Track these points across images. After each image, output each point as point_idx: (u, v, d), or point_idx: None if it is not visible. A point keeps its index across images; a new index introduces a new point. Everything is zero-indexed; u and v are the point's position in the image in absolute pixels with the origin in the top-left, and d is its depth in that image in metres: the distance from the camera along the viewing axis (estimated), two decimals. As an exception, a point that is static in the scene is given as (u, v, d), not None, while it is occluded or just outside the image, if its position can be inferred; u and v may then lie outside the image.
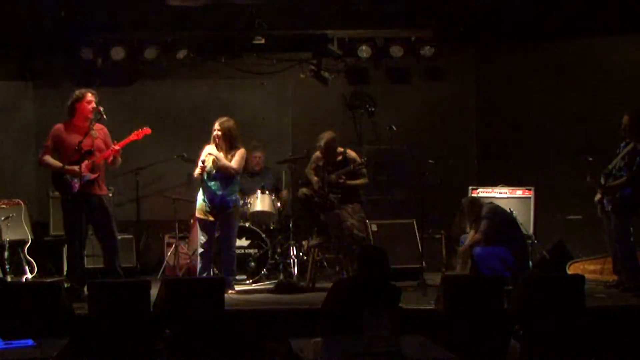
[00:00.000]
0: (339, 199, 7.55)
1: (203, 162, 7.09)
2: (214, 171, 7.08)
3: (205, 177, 7.12)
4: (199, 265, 7.21)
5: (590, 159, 7.22)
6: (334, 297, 5.00)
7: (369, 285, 4.88)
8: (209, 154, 7.13)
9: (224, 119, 7.19)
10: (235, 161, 7.10)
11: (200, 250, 7.21)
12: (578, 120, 8.57)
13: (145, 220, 8.81)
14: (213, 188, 7.11)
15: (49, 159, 6.74)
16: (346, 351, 3.95)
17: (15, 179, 8.84)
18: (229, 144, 7.11)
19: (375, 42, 8.93)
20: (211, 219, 7.18)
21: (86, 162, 6.63)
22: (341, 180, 7.53)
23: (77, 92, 6.80)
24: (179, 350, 5.25)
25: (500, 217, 7.32)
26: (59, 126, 6.82)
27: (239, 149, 7.16)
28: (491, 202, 7.50)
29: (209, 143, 7.20)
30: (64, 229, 6.92)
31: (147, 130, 6.93)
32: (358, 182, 7.66)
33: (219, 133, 7.11)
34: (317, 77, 9.20)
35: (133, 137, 6.89)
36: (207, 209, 7.16)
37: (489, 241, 7.15)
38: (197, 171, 7.11)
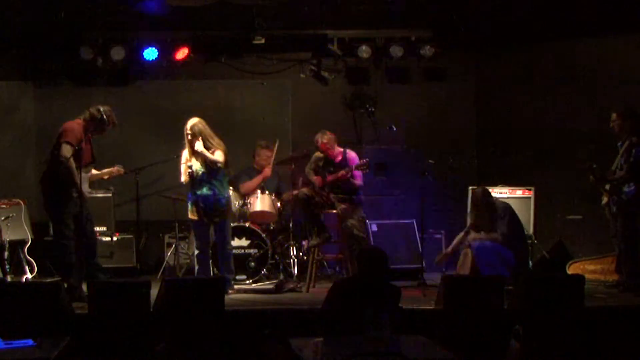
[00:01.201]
0: (339, 199, 7.54)
1: (190, 167, 7.03)
2: (201, 172, 7.04)
3: (195, 183, 7.08)
4: (196, 267, 7.20)
5: (595, 165, 7.30)
6: (334, 297, 4.99)
7: (369, 286, 4.89)
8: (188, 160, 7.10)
9: (195, 120, 7.07)
10: (218, 155, 7.01)
11: (197, 251, 7.18)
12: (578, 120, 8.57)
13: (145, 220, 8.80)
14: (204, 192, 7.06)
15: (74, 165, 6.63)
16: (346, 351, 3.95)
17: (15, 179, 8.83)
18: (203, 144, 7.02)
19: (375, 42, 8.94)
20: (204, 219, 7.15)
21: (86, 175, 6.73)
22: (348, 175, 7.46)
23: (114, 119, 6.85)
24: (179, 350, 5.24)
25: (513, 215, 7.31)
26: (79, 127, 6.72)
27: (216, 147, 7.05)
28: (500, 200, 7.48)
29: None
30: (56, 227, 6.88)
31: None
32: (356, 182, 7.64)
33: (190, 137, 7.02)
34: (317, 77, 9.20)
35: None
36: (200, 210, 7.10)
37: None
38: (185, 177, 7.07)
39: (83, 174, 6.66)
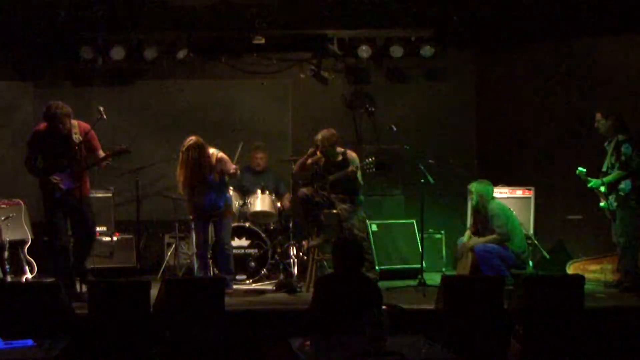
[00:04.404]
0: (339, 199, 7.53)
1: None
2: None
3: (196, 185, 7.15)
4: (195, 266, 7.23)
5: (584, 170, 7.37)
6: (318, 294, 5.08)
7: (347, 278, 4.97)
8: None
9: (192, 139, 7.07)
10: (231, 167, 7.10)
11: (196, 250, 7.24)
12: (578, 120, 8.56)
13: (145, 220, 8.81)
14: (205, 192, 7.12)
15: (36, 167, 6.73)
16: (346, 351, 3.95)
17: (15, 179, 8.81)
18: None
19: (375, 42, 8.94)
20: (204, 219, 7.20)
21: (69, 172, 6.65)
22: (351, 173, 7.41)
23: (47, 109, 6.62)
24: (178, 351, 5.24)
25: (508, 214, 7.33)
26: (40, 128, 6.76)
27: (212, 156, 7.10)
28: (495, 199, 7.49)
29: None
30: (49, 227, 6.87)
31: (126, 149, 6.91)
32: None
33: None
34: (317, 77, 9.20)
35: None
36: (199, 210, 7.18)
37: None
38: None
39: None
